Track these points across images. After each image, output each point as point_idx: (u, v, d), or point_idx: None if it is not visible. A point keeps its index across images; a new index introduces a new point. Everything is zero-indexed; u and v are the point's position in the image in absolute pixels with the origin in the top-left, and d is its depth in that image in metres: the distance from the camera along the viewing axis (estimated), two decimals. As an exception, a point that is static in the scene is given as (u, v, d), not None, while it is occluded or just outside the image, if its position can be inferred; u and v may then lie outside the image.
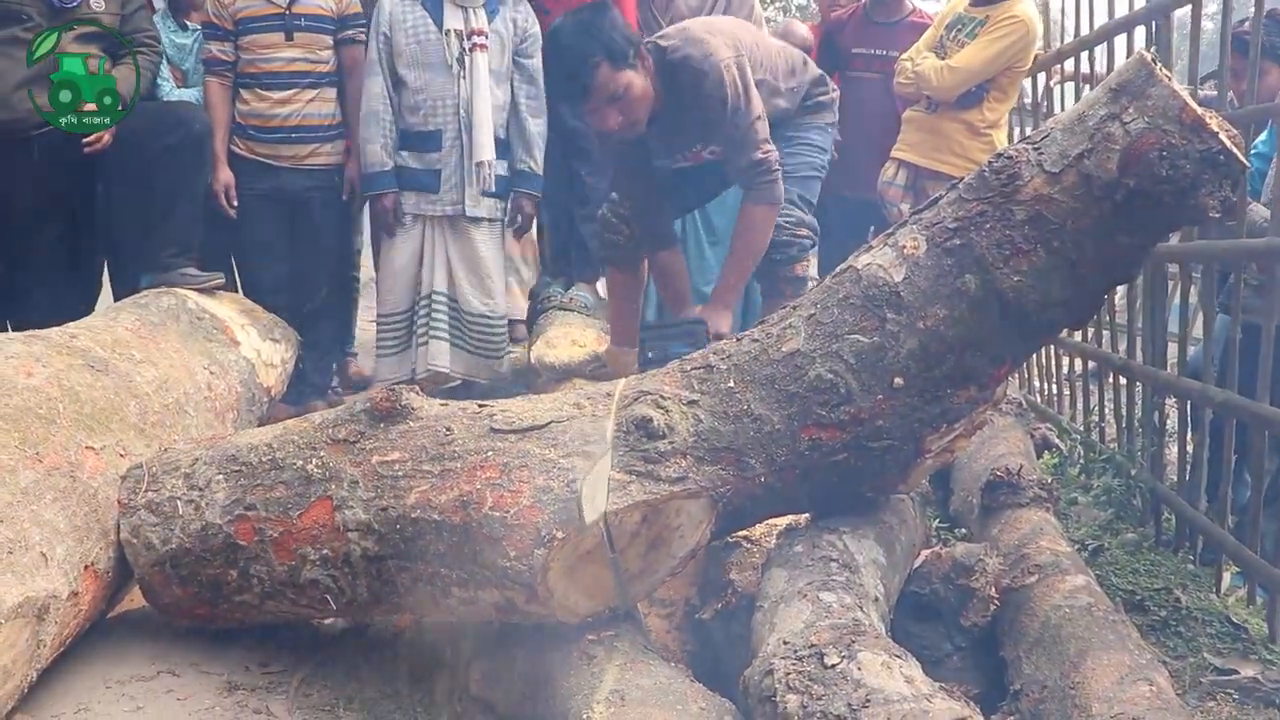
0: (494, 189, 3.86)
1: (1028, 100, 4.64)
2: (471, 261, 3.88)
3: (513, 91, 3.91)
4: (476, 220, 3.86)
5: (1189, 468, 3.11)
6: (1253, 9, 2.76)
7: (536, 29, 3.93)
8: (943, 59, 4.12)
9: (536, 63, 3.93)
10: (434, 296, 3.89)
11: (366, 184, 3.84)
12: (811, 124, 3.58)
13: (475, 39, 3.75)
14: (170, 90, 3.76)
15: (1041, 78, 4.52)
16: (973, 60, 4.02)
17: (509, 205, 3.95)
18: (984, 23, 4.07)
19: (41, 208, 3.22)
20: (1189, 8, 3.06)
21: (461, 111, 3.77)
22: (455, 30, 3.74)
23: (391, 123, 3.80)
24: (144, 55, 3.42)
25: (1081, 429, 4.00)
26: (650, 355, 3.35)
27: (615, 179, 3.69)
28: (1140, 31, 3.41)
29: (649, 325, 3.55)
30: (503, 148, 3.89)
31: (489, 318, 3.91)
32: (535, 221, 4.31)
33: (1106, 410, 3.83)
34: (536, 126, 3.97)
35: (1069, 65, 4.26)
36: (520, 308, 5.11)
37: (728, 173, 3.37)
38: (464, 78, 3.75)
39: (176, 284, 3.19)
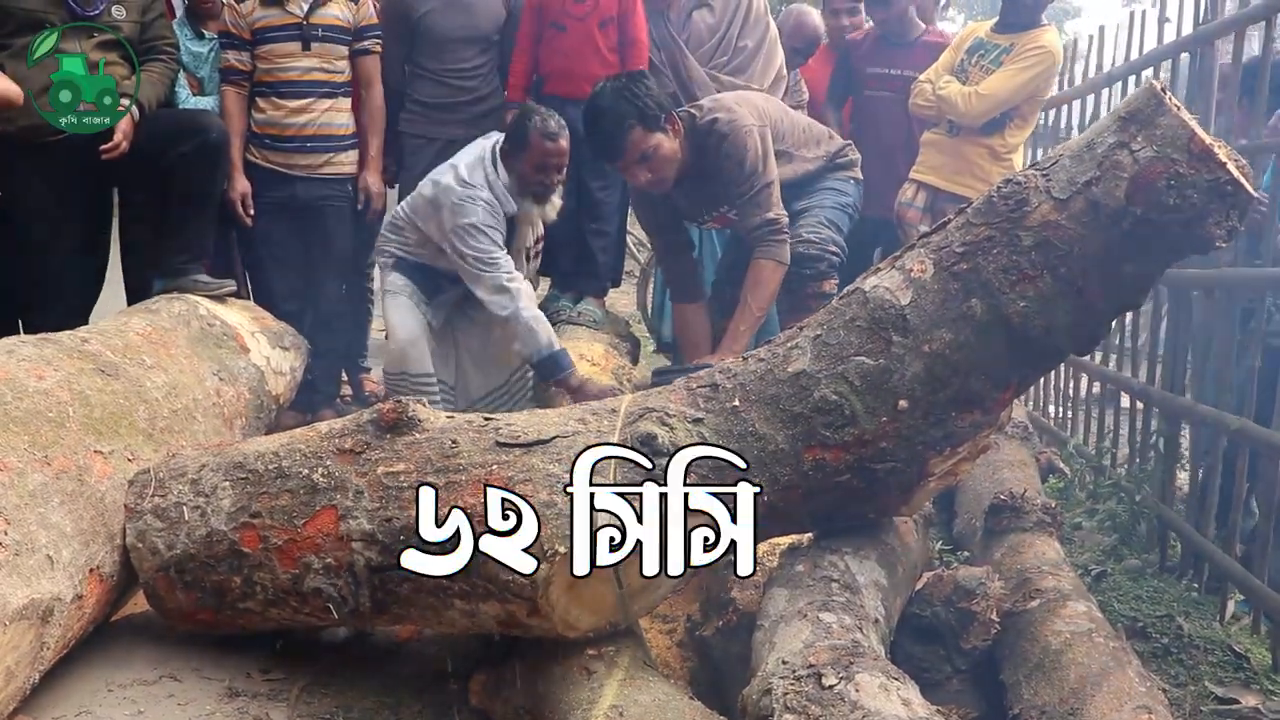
0: None
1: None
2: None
3: None
4: None
5: (1200, 494, 3.10)
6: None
7: None
8: (965, 83, 4.12)
9: None
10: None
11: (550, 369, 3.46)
12: (835, 176, 3.86)
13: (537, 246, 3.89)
14: (186, 98, 3.78)
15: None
16: (1001, 88, 4.04)
17: None
18: (1009, 50, 4.07)
19: (59, 212, 3.24)
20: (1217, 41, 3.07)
21: None
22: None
23: None
24: (163, 63, 3.44)
25: (1092, 452, 3.99)
26: None
27: (653, 244, 4.10)
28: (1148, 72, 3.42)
29: (660, 371, 3.67)
30: None
31: None
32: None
33: (1120, 434, 3.82)
34: None
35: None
36: None
37: (740, 230, 3.63)
38: None
39: (188, 290, 3.21)
